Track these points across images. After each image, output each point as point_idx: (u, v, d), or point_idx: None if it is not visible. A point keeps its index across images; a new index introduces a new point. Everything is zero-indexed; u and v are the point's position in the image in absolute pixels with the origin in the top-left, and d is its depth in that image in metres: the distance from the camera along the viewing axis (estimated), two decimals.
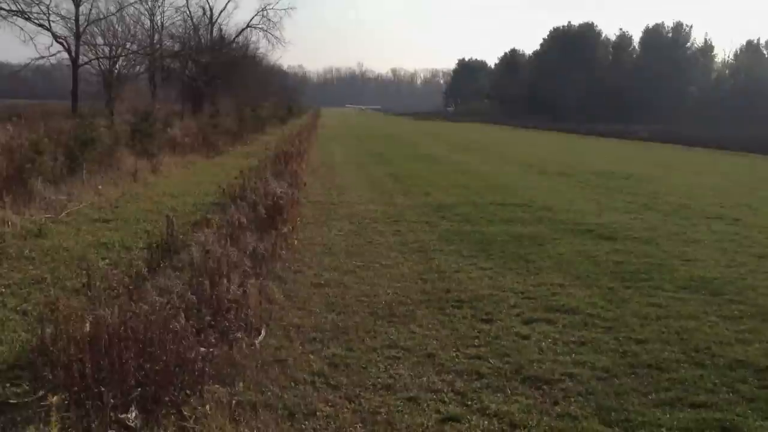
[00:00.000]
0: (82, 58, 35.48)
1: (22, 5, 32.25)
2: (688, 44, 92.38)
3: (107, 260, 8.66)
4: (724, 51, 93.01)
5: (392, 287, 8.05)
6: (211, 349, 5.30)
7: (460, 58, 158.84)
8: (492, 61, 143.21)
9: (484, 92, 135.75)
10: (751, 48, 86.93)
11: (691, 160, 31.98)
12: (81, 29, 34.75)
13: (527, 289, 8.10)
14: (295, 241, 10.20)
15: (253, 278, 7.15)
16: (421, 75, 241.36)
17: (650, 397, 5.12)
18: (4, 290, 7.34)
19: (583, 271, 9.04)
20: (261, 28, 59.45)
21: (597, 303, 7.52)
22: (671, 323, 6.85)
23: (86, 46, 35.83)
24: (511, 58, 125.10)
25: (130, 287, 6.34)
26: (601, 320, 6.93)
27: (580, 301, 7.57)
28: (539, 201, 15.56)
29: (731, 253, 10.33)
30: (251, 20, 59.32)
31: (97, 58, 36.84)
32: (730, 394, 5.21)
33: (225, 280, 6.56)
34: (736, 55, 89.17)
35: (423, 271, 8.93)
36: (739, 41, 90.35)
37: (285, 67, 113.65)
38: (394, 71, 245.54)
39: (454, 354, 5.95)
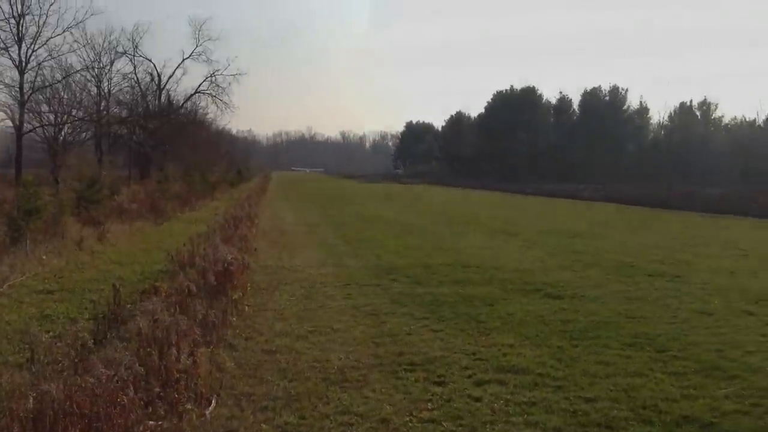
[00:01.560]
0: (27, 126, 34.98)
1: None
2: (625, 107, 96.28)
3: (51, 333, 8.42)
4: (659, 113, 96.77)
5: (344, 352, 8.03)
6: (159, 422, 5.19)
7: (408, 120, 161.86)
8: (439, 123, 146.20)
9: (432, 154, 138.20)
10: (684, 109, 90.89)
11: (631, 219, 32.96)
12: (26, 97, 34.33)
13: (478, 350, 8.18)
14: (246, 307, 10.13)
15: (203, 347, 7.06)
16: (370, 137, 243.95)
17: None
18: None
19: (533, 330, 9.19)
20: (209, 94, 60.08)
21: (547, 362, 7.64)
22: (619, 381, 7.00)
23: (31, 114, 35.34)
24: (457, 120, 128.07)
25: (76, 360, 6.20)
26: (551, 380, 7.03)
27: (530, 361, 7.67)
28: (488, 261, 15.80)
29: (674, 310, 10.64)
30: (200, 86, 59.94)
31: (42, 126, 36.35)
32: None
33: (174, 350, 6.47)
34: (670, 116, 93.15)
35: (375, 334, 8.94)
36: (673, 103, 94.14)
37: (234, 131, 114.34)
38: (343, 134, 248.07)
39: (408, 419, 5.95)
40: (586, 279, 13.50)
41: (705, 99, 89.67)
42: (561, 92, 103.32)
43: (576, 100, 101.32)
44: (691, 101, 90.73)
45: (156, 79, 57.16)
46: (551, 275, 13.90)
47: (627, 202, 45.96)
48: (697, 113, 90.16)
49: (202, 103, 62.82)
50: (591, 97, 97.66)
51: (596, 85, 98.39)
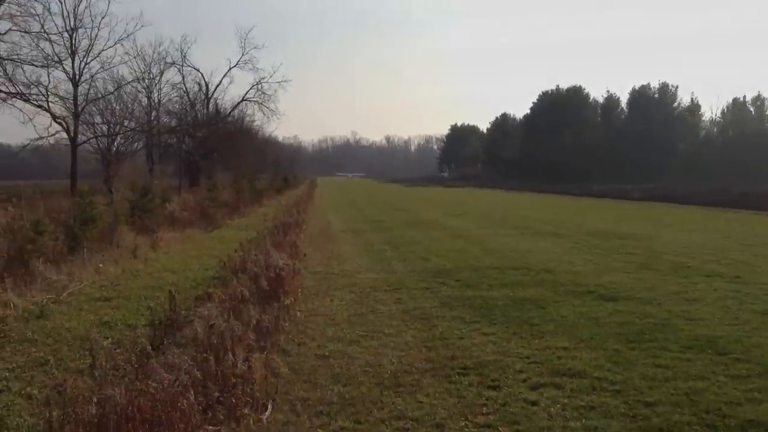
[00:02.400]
0: (81, 137, 35.87)
1: (22, 87, 32.66)
2: (675, 104, 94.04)
3: (110, 339, 8.62)
4: (711, 109, 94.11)
5: (397, 356, 8.02)
6: (218, 427, 5.26)
7: (453, 123, 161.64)
8: (484, 125, 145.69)
9: (477, 157, 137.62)
10: (737, 105, 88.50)
11: (684, 218, 32.21)
12: (80, 109, 35.22)
13: (532, 353, 8.08)
14: (298, 313, 10.21)
15: (257, 352, 7.13)
16: (415, 141, 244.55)
17: None
18: (7, 374, 7.31)
19: (587, 333, 9.03)
20: (256, 102, 60.82)
21: (603, 366, 7.50)
22: (679, 384, 6.82)
23: (85, 125, 36.26)
24: (503, 122, 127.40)
25: (136, 365, 6.32)
26: (609, 383, 6.89)
27: (586, 365, 7.54)
28: (538, 263, 15.62)
29: (734, 311, 10.33)
30: (246, 94, 60.74)
31: (96, 137, 37.28)
32: None
33: (230, 355, 6.55)
34: (723, 112, 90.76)
35: (426, 338, 8.91)
36: (726, 99, 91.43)
37: (280, 138, 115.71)
38: (387, 138, 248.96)
39: (464, 423, 5.91)
40: (641, 280, 13.22)
41: (759, 94, 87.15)
42: (608, 91, 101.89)
43: (624, 98, 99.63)
44: (744, 97, 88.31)
45: (204, 88, 58.29)
46: (603, 277, 13.66)
47: (679, 201, 44.97)
48: (751, 109, 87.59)
49: (249, 111, 63.63)
50: (639, 95, 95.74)
51: (645, 83, 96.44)
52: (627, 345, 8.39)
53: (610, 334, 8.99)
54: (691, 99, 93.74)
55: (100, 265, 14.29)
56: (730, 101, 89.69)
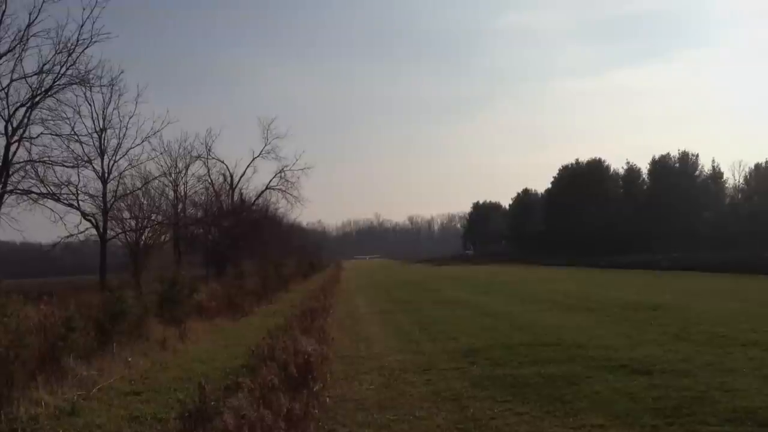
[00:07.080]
0: (110, 233, 36.48)
1: (53, 188, 33.50)
2: (697, 172, 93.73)
3: None
4: (734, 176, 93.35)
5: None
6: None
7: (475, 201, 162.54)
8: (506, 202, 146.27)
9: (501, 233, 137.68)
10: (760, 171, 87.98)
11: (715, 287, 31.66)
12: (108, 205, 36.02)
13: None
14: (327, 399, 10.12)
15: None
16: (438, 220, 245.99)
17: None
18: None
19: (623, 409, 8.84)
20: (280, 189, 61.91)
21: None
22: None
23: (113, 221, 36.95)
24: (524, 198, 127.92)
25: None
26: None
27: None
28: (568, 338, 15.41)
29: None
30: (270, 182, 61.92)
31: (124, 232, 37.93)
32: None
33: None
34: (746, 178, 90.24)
35: (458, 420, 8.78)
36: (748, 164, 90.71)
37: (304, 224, 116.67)
38: (411, 219, 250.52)
39: None
40: (675, 352, 12.96)
41: None
42: (628, 162, 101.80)
43: (645, 168, 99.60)
44: (766, 162, 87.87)
45: (228, 178, 59.59)
46: (636, 350, 13.42)
47: (708, 269, 44.31)
48: None
49: (273, 199, 64.64)
50: (660, 165, 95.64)
51: (665, 153, 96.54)
52: (664, 420, 8.19)
53: (646, 409, 8.79)
54: (713, 166, 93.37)
55: (130, 359, 14.35)
56: (753, 167, 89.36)
